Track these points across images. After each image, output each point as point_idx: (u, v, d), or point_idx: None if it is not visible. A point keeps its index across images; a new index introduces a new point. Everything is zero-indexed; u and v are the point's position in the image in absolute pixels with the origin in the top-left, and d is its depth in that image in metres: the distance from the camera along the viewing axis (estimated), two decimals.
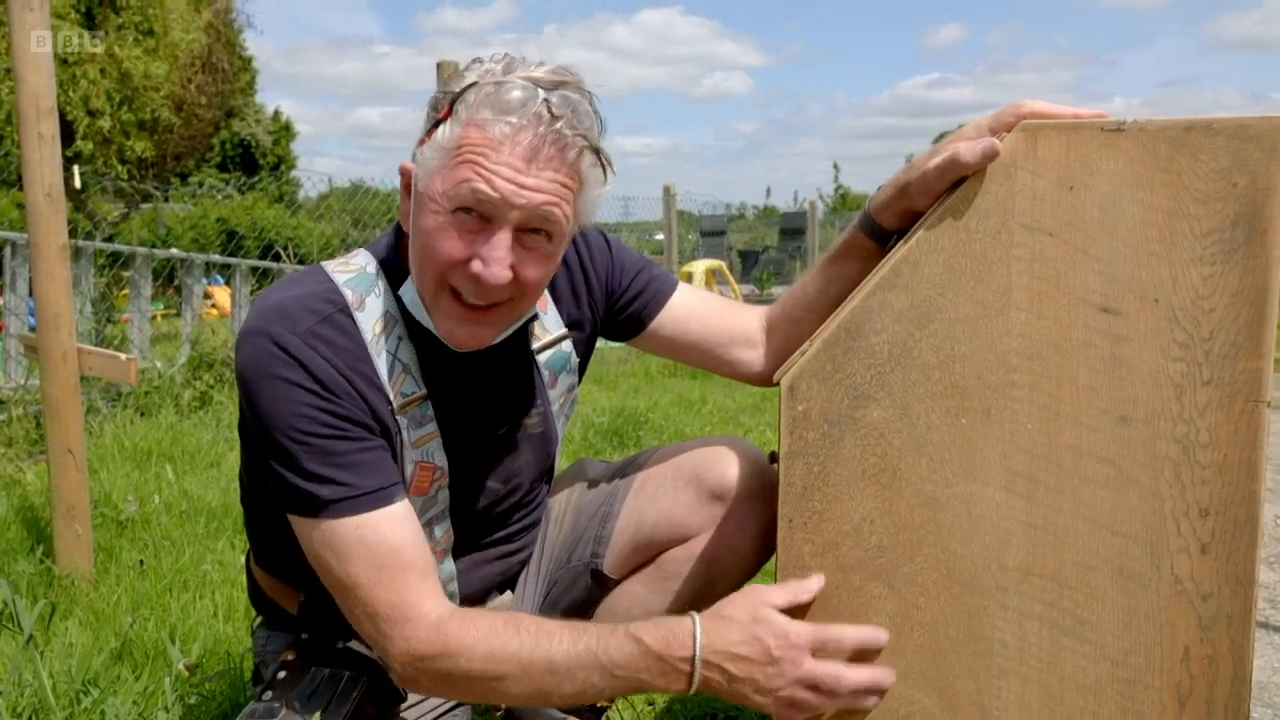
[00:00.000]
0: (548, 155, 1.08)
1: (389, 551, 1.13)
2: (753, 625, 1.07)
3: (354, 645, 1.34)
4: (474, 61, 1.15)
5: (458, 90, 1.10)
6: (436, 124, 1.12)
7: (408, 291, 1.21)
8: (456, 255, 1.11)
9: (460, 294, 1.15)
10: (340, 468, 1.13)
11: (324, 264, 1.26)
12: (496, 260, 1.10)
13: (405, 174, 1.18)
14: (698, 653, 1.07)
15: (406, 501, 1.19)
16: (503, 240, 1.10)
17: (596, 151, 1.12)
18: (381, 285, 1.23)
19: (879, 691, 1.10)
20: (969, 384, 1.08)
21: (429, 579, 1.16)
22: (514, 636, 1.11)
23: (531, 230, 1.12)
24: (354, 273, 1.23)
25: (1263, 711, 1.85)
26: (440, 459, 1.27)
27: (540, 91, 1.08)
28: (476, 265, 1.10)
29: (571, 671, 1.10)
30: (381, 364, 1.19)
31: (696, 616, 1.10)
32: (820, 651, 1.08)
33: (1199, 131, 1.00)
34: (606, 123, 1.15)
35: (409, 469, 1.24)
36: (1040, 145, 1.04)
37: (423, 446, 1.25)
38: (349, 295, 1.20)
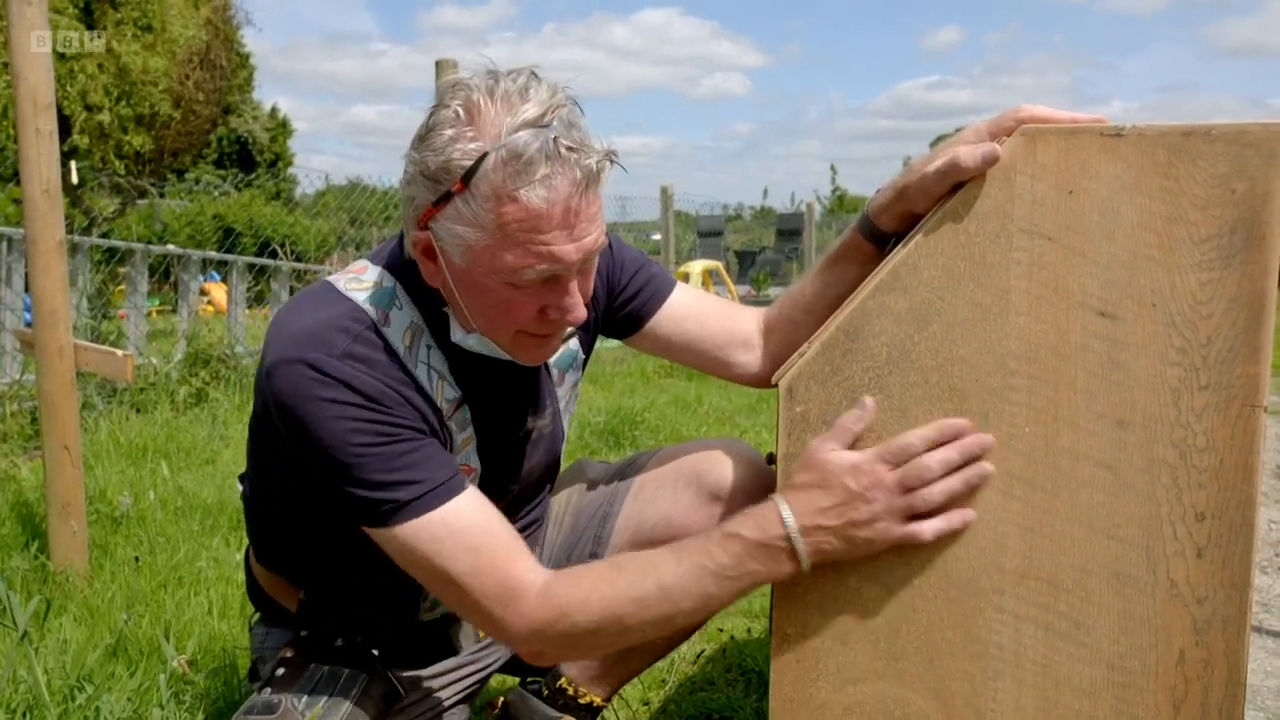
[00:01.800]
0: (587, 199, 1.07)
1: (480, 532, 1.13)
2: (823, 477, 1.08)
3: (353, 643, 1.34)
4: (439, 109, 1.08)
5: (469, 164, 1.04)
6: (447, 195, 1.06)
7: (469, 339, 1.20)
8: (531, 314, 1.13)
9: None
10: (409, 468, 1.12)
11: (332, 280, 1.23)
12: (574, 306, 1.13)
13: (422, 243, 1.13)
14: (791, 525, 1.07)
15: (474, 486, 1.19)
16: (574, 288, 1.12)
17: (607, 156, 1.10)
18: (401, 297, 1.21)
19: (976, 460, 1.07)
20: (967, 387, 1.08)
21: (521, 550, 1.16)
22: (619, 577, 1.12)
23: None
24: (371, 289, 1.20)
25: (1256, 715, 1.86)
26: (475, 461, 1.28)
27: (549, 133, 1.03)
28: (555, 314, 1.13)
29: (686, 589, 1.10)
30: (420, 373, 1.19)
31: (776, 495, 1.11)
32: (895, 463, 1.07)
33: (1198, 137, 1.00)
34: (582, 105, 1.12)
35: None
36: (1040, 149, 1.04)
37: (464, 450, 1.26)
38: (373, 311, 1.18)
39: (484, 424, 1.28)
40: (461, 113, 1.06)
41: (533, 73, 1.09)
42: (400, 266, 1.23)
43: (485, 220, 1.06)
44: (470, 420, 1.26)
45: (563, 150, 1.03)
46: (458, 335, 1.21)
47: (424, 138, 1.08)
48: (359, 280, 1.22)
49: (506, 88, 1.06)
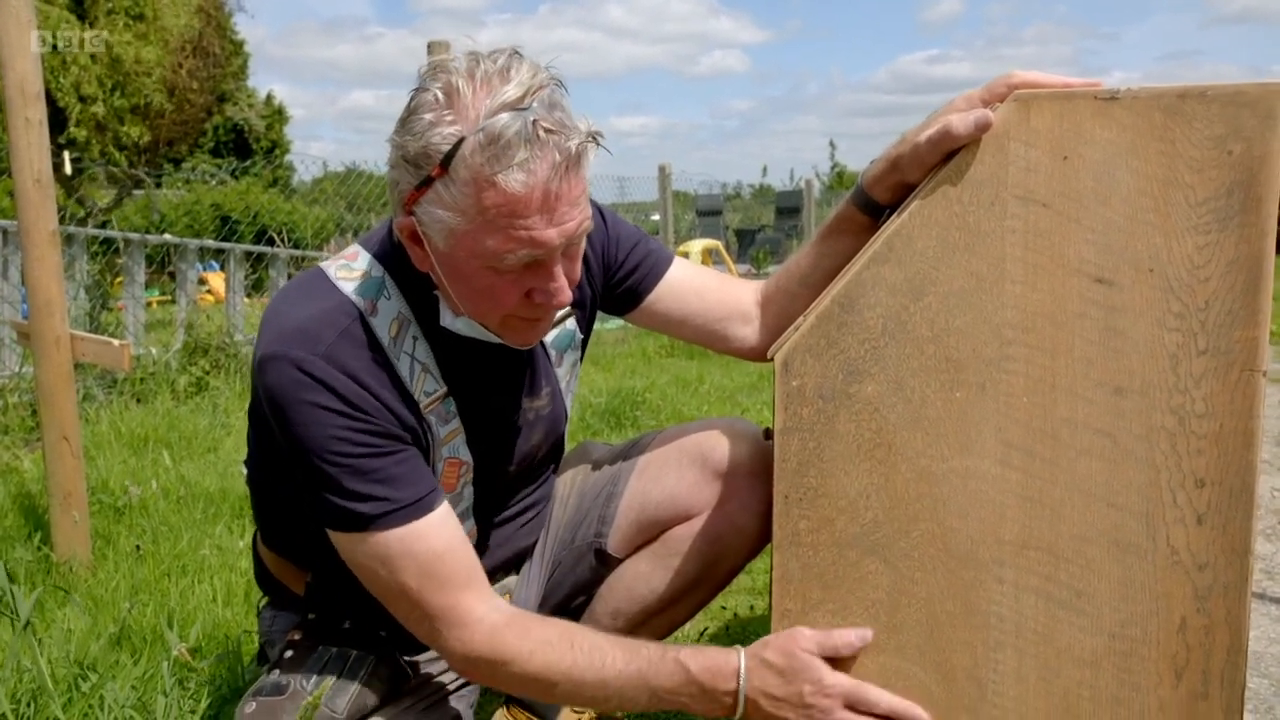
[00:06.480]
0: (568, 182, 1.05)
1: (434, 558, 1.15)
2: (791, 670, 1.13)
3: (360, 625, 1.34)
4: (419, 93, 1.06)
5: (447, 149, 1.02)
6: (428, 180, 1.05)
7: (457, 322, 1.20)
8: (516, 299, 1.12)
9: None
10: (378, 483, 1.14)
11: (324, 267, 1.23)
12: (559, 289, 1.11)
13: (407, 229, 1.11)
14: (742, 688, 1.14)
15: (446, 505, 1.20)
16: (558, 271, 1.11)
17: (591, 137, 1.08)
18: (390, 287, 1.21)
19: None
20: (963, 357, 1.07)
21: (476, 581, 1.19)
22: (568, 652, 1.16)
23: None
24: (360, 279, 1.20)
25: (1259, 681, 1.86)
26: (465, 454, 1.28)
27: (527, 116, 1.01)
28: (540, 298, 1.12)
29: (621, 690, 1.16)
30: (402, 366, 1.19)
31: (742, 653, 1.15)
32: (853, 706, 1.13)
33: (1193, 99, 0.99)
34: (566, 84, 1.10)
35: (439, 466, 1.25)
36: (1033, 115, 1.03)
37: (450, 443, 1.26)
38: (360, 303, 1.18)
39: (473, 413, 1.28)
40: (441, 96, 1.04)
41: (515, 52, 1.07)
42: (389, 255, 1.22)
43: (465, 205, 1.04)
44: (456, 412, 1.25)
45: (541, 133, 1.01)
46: (447, 319, 1.21)
47: (405, 121, 1.07)
48: (349, 269, 1.22)
49: (486, 69, 1.04)
